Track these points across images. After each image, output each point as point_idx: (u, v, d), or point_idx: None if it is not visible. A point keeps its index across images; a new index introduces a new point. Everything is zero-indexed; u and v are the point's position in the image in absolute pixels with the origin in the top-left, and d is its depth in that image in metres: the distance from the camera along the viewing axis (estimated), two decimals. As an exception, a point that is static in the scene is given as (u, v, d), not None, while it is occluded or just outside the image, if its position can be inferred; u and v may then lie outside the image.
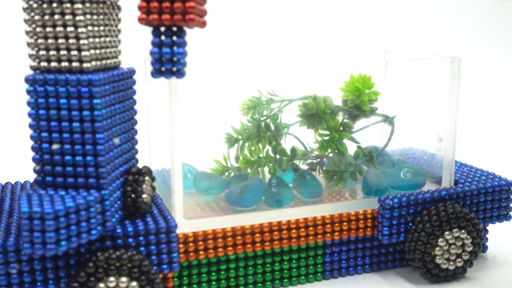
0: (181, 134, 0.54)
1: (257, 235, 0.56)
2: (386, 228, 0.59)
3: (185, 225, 0.55)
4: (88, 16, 0.48)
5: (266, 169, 0.62)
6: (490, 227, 0.71)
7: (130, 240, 0.51)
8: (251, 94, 0.63)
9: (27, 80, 0.48)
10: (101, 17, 0.50)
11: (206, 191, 0.62)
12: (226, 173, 0.64)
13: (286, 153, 0.61)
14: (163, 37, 0.49)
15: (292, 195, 0.61)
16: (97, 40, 0.50)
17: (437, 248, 0.59)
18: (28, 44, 0.48)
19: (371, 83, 0.62)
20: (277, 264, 0.59)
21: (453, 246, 0.60)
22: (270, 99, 0.62)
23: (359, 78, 0.62)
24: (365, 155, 0.64)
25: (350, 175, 0.63)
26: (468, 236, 0.60)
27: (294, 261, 0.60)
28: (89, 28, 0.48)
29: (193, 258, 0.55)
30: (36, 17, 0.48)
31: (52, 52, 0.48)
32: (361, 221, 0.60)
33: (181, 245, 0.54)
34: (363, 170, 0.64)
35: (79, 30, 0.48)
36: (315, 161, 0.64)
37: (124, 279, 0.49)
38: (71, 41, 0.48)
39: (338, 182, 0.63)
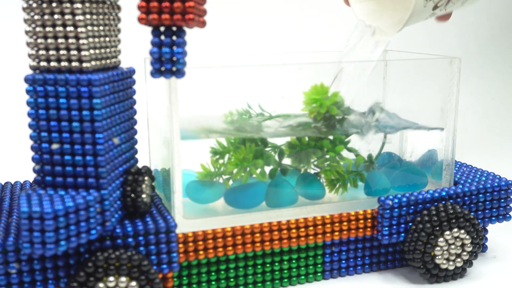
0: (180, 134, 0.54)
1: (257, 235, 0.56)
2: (386, 228, 0.59)
3: (184, 225, 0.55)
4: (88, 16, 0.48)
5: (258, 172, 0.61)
6: (490, 227, 0.71)
7: (130, 240, 0.51)
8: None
9: (26, 79, 0.48)
10: (101, 16, 0.50)
11: (202, 200, 0.61)
12: (215, 178, 0.62)
13: (273, 156, 0.61)
14: (162, 37, 0.49)
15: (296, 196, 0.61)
16: (96, 39, 0.50)
17: (437, 248, 0.59)
18: (28, 44, 0.48)
19: (326, 88, 0.61)
20: (277, 264, 0.59)
21: (452, 246, 0.60)
22: (252, 114, 0.62)
23: (314, 90, 0.61)
24: (365, 161, 0.65)
25: (352, 182, 0.63)
26: (467, 236, 0.60)
27: (294, 261, 0.59)
28: (89, 27, 0.48)
29: (193, 258, 0.54)
30: (36, 17, 0.48)
31: (51, 52, 0.48)
32: (361, 221, 0.60)
33: (180, 245, 0.54)
34: (364, 176, 0.64)
35: (79, 29, 0.48)
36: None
37: (123, 279, 0.49)
38: (70, 40, 0.48)
39: (344, 189, 0.63)
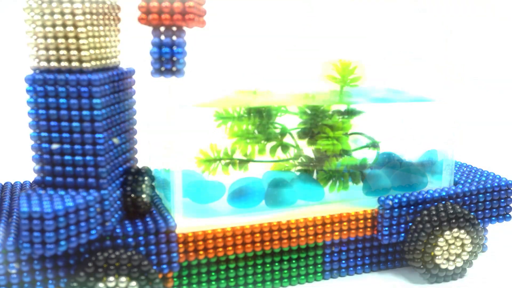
0: (180, 134, 0.54)
1: (257, 235, 0.56)
2: (386, 228, 0.59)
3: (184, 225, 0.55)
4: (88, 16, 0.48)
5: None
6: (490, 227, 0.71)
7: (130, 240, 0.51)
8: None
9: (26, 80, 0.48)
10: (101, 16, 0.50)
11: (202, 200, 0.61)
12: (214, 164, 0.61)
13: (276, 134, 0.61)
14: (162, 37, 0.49)
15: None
16: (96, 40, 0.50)
17: (437, 248, 0.59)
18: (28, 44, 0.48)
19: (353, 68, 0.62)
20: (277, 264, 0.59)
21: (452, 246, 0.60)
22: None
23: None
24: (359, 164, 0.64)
25: (343, 182, 0.63)
26: (467, 236, 0.60)
27: (294, 261, 0.59)
28: (89, 28, 0.48)
29: (193, 258, 0.55)
30: (36, 17, 0.48)
31: (51, 52, 0.48)
32: (361, 221, 0.60)
33: (180, 245, 0.54)
34: (358, 177, 0.64)
35: (79, 30, 0.48)
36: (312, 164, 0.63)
37: (123, 279, 0.49)
38: (70, 41, 0.48)
39: (340, 186, 0.62)
